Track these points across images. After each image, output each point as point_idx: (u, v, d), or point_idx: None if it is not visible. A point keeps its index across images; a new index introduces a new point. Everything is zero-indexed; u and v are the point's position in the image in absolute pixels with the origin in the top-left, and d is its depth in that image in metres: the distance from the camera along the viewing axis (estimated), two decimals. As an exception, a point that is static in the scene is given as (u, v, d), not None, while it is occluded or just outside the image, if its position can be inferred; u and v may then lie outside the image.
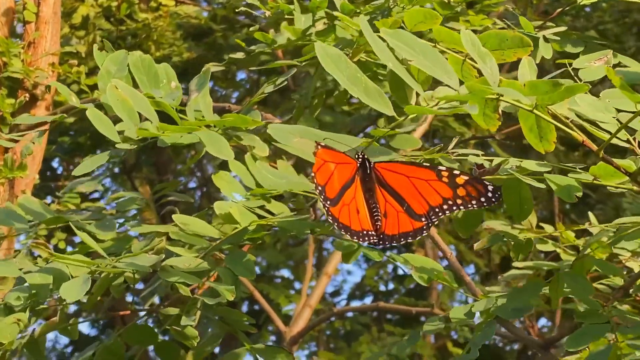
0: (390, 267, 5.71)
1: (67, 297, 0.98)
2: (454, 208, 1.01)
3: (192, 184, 5.10)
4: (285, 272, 5.52)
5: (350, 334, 4.82)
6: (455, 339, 4.83)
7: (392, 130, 0.99)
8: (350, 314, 4.88)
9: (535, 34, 1.37)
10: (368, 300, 5.77)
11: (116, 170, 4.57)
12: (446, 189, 1.01)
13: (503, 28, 1.54)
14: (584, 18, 3.98)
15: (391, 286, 5.77)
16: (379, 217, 1.03)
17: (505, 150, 3.94)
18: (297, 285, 5.56)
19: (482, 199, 1.00)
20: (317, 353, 4.84)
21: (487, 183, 0.99)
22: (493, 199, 0.99)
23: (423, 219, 1.03)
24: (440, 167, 1.02)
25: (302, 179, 1.08)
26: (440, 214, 1.02)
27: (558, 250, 1.76)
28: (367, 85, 0.88)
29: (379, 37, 0.88)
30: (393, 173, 1.04)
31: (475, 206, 1.00)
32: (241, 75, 4.40)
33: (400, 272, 5.67)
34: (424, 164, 1.04)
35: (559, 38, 1.41)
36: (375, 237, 1.04)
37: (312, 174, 0.99)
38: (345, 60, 0.88)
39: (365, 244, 1.05)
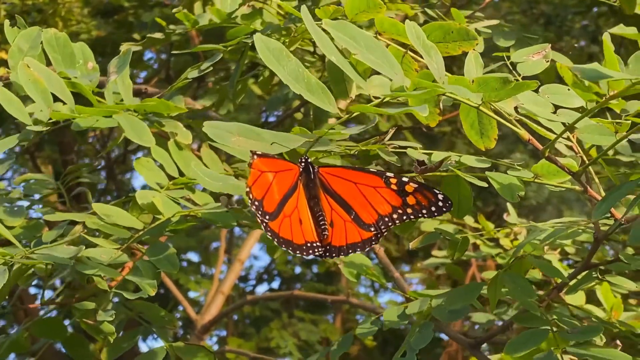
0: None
1: (-20, 293, 0.90)
2: (404, 218, 0.95)
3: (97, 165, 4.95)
4: (192, 255, 5.44)
5: (260, 320, 4.79)
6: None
7: (338, 132, 0.91)
8: (255, 300, 4.84)
9: (467, 26, 1.34)
10: (276, 284, 5.76)
11: (17, 149, 4.41)
12: (395, 197, 0.95)
13: (428, 19, 1.52)
14: (493, 8, 4.02)
15: (298, 270, 5.78)
16: (326, 227, 0.96)
17: (417, 137, 3.95)
18: (203, 269, 5.50)
19: (433, 208, 0.94)
20: (225, 339, 4.79)
21: (437, 191, 0.94)
22: (444, 208, 0.94)
23: (372, 229, 0.96)
24: (388, 174, 0.96)
25: (239, 181, 1.00)
26: (390, 224, 0.96)
27: (478, 242, 1.77)
28: (310, 80, 0.82)
29: (321, 28, 0.83)
30: (339, 179, 0.97)
31: (426, 215, 0.94)
32: (148, 54, 4.29)
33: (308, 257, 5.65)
34: (371, 169, 0.97)
35: (490, 31, 1.39)
36: (321, 249, 0.96)
37: (247, 189, 0.90)
38: (287, 54, 0.82)
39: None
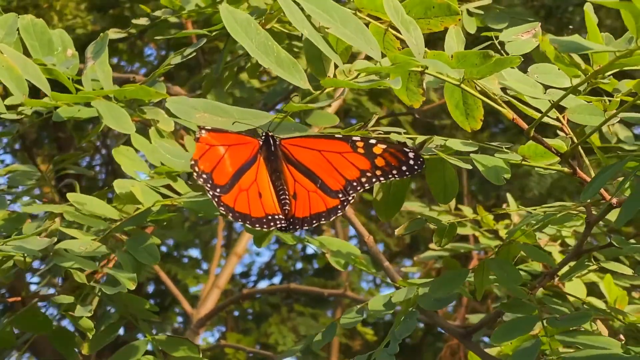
0: (299, 247, 5.68)
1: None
2: (374, 180, 0.93)
3: (96, 162, 4.94)
4: (194, 252, 5.42)
5: (260, 315, 4.76)
6: (364, 319, 4.81)
7: (305, 105, 0.89)
8: (259, 295, 4.81)
9: (459, 6, 1.31)
10: (277, 280, 5.73)
11: (16, 146, 4.41)
12: (363, 160, 0.92)
13: None
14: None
15: (299, 266, 5.75)
16: (287, 200, 0.94)
17: (417, 129, 3.91)
18: (205, 265, 5.47)
19: (404, 168, 0.91)
20: (225, 334, 4.76)
21: (408, 149, 0.91)
22: (416, 167, 0.91)
23: (340, 195, 0.94)
24: (355, 138, 0.93)
25: None
26: (358, 187, 0.93)
27: (477, 233, 1.73)
28: (280, 54, 0.79)
29: (293, 1, 0.79)
30: (303, 149, 0.95)
31: (396, 176, 0.91)
32: (149, 51, 4.27)
33: (309, 252, 5.64)
34: (336, 135, 0.95)
35: (482, 12, 1.35)
36: (283, 222, 0.94)
37: (192, 162, 0.88)
38: (255, 26, 0.79)
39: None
